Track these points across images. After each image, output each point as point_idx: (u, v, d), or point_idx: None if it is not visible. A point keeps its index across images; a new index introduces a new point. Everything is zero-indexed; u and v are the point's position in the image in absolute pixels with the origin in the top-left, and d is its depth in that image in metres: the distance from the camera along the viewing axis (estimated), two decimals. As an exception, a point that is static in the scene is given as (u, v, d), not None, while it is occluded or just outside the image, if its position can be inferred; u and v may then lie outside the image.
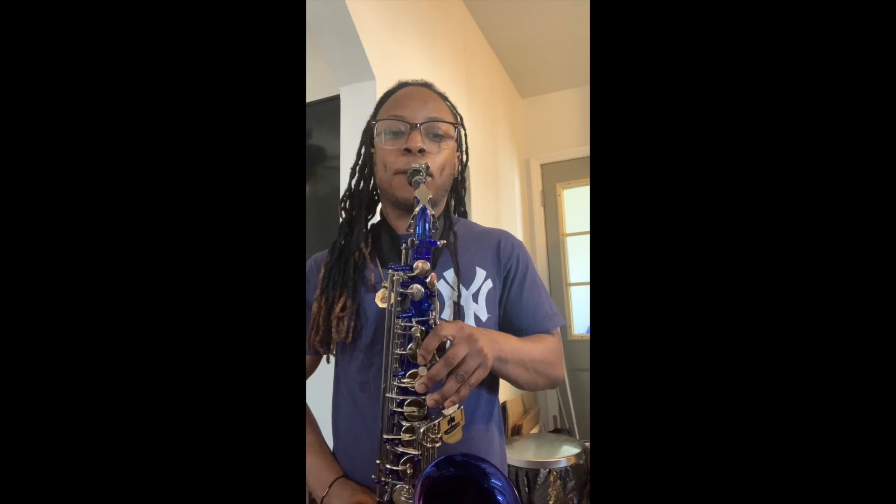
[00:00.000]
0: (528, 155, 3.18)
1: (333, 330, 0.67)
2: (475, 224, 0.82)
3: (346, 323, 0.66)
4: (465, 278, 0.70)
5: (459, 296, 0.68)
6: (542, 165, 3.18)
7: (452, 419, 0.54)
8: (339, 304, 0.67)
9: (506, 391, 2.32)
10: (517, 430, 2.22)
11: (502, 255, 0.74)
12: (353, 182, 0.77)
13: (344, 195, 0.77)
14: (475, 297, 0.70)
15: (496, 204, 2.53)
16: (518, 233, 2.86)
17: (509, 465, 1.77)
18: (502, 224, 2.60)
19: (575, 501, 1.72)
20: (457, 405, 0.54)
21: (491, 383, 0.71)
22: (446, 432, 0.54)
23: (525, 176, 3.13)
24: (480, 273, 0.71)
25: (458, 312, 0.68)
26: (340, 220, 0.76)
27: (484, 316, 0.70)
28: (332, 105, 1.65)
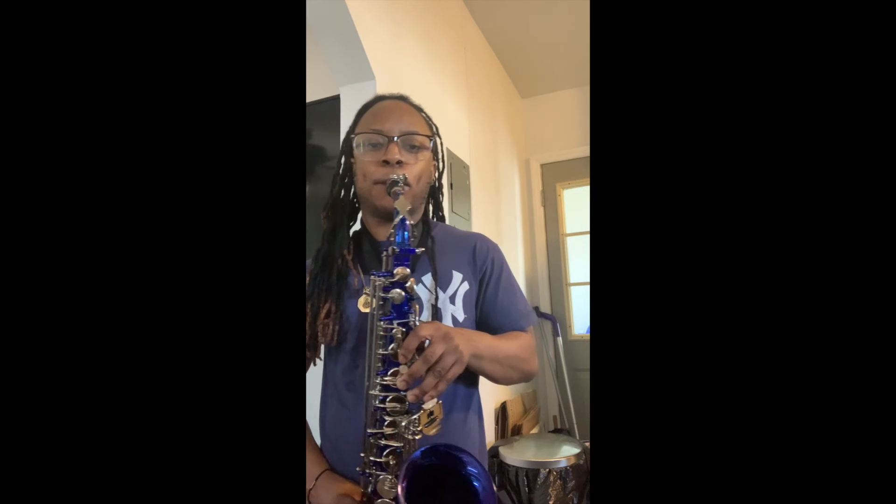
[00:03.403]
0: (528, 155, 3.18)
1: (319, 334, 0.71)
2: (453, 228, 0.86)
3: (331, 328, 0.70)
4: (442, 281, 0.74)
5: (437, 298, 0.72)
6: (542, 165, 3.18)
7: (431, 413, 0.59)
8: (324, 310, 0.71)
9: (506, 391, 2.32)
10: (517, 430, 2.22)
11: (478, 258, 0.78)
12: (335, 191, 0.80)
13: (326, 204, 0.80)
14: (452, 299, 0.74)
15: (496, 204, 2.53)
16: (518, 233, 2.86)
17: (509, 465, 1.77)
18: (502, 224, 2.60)
19: (575, 501, 1.72)
20: (435, 399, 0.58)
21: (468, 378, 0.75)
22: (426, 425, 0.59)
23: (525, 176, 3.13)
24: (457, 276, 0.75)
25: (436, 314, 0.71)
26: (323, 228, 0.79)
27: (461, 317, 0.74)
28: (332, 105, 1.65)
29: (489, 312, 0.77)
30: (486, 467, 0.57)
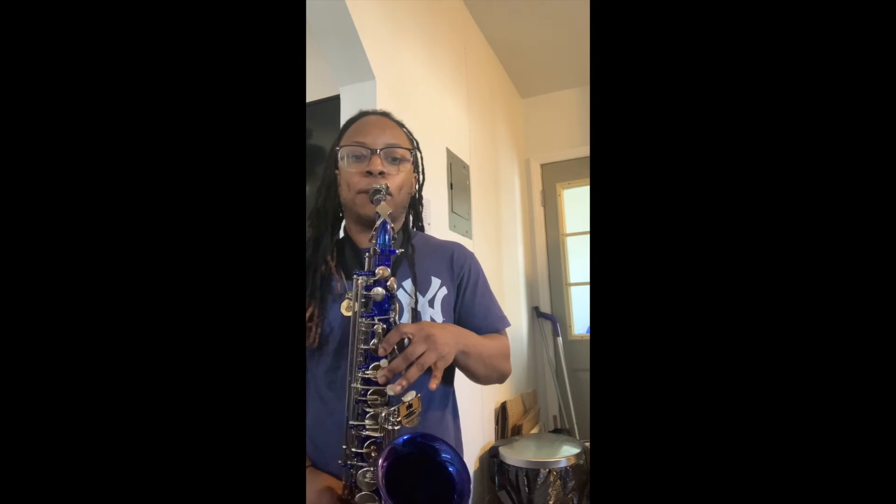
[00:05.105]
0: (528, 155, 3.18)
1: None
2: (432, 237, 0.92)
3: (314, 331, 0.74)
4: (421, 286, 0.79)
5: (417, 302, 0.77)
6: (542, 165, 3.18)
7: (410, 405, 0.62)
8: (308, 314, 0.74)
9: (506, 391, 2.32)
10: (517, 430, 2.22)
11: (455, 265, 0.84)
12: (319, 200, 0.84)
13: (311, 212, 0.84)
14: (431, 302, 0.79)
15: (496, 204, 2.53)
16: (518, 233, 2.86)
17: (509, 465, 1.78)
18: (502, 224, 2.60)
19: (575, 501, 1.72)
20: (414, 392, 0.62)
21: (445, 377, 0.78)
22: (405, 417, 0.62)
23: (525, 176, 3.13)
24: (436, 281, 0.81)
25: (416, 317, 0.76)
26: (308, 235, 0.82)
27: (439, 319, 0.79)
28: (332, 105, 1.65)
29: (468, 315, 0.82)
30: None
